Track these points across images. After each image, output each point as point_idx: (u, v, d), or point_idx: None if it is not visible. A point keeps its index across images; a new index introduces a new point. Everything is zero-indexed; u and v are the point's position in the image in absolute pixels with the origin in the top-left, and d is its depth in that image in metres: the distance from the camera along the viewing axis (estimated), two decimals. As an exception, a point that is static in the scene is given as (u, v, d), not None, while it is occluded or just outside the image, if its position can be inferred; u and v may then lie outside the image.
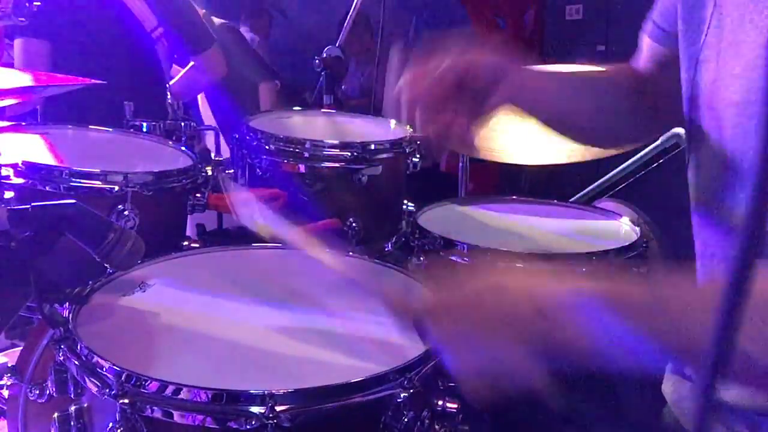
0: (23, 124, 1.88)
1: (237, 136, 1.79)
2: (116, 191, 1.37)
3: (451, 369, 0.78)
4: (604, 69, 1.19)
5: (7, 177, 1.33)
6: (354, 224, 1.66)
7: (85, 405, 0.94)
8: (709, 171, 0.97)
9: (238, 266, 1.26)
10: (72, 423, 0.93)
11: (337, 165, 1.68)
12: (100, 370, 0.88)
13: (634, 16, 1.19)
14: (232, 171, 1.77)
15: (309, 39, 3.88)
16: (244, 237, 1.28)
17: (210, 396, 0.83)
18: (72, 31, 2.39)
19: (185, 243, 1.53)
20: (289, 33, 5.37)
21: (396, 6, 3.56)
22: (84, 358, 0.90)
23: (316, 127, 2.02)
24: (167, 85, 2.63)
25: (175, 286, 1.15)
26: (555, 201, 1.74)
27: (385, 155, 1.71)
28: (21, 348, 1.31)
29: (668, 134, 2.36)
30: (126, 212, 1.37)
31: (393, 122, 1.94)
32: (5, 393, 1.28)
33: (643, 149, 2.51)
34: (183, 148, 1.72)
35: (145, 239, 1.03)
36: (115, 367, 0.86)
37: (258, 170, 1.73)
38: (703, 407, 0.42)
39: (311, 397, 0.84)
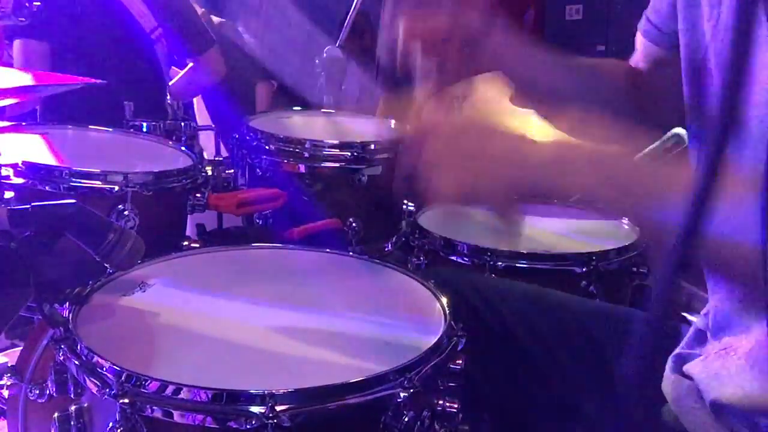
0: (23, 124, 1.88)
1: (237, 136, 1.79)
2: (116, 191, 1.37)
3: (433, 181, 0.84)
4: (600, 59, 1.20)
5: (7, 177, 1.34)
6: (354, 224, 1.66)
7: (85, 405, 0.94)
8: None
9: (238, 266, 1.26)
10: (72, 423, 0.93)
11: (337, 165, 1.68)
12: (100, 370, 0.87)
13: (634, 16, 1.18)
14: (232, 171, 1.77)
15: (309, 39, 3.87)
16: (244, 237, 1.28)
17: (210, 396, 0.83)
18: (72, 31, 2.39)
19: (185, 243, 1.53)
20: (289, 33, 5.36)
21: (396, 6, 3.55)
22: (84, 358, 0.90)
23: (316, 127, 2.02)
24: (167, 86, 2.63)
25: (175, 286, 1.15)
26: (555, 201, 1.74)
27: (385, 155, 1.71)
28: (21, 348, 1.31)
29: (668, 134, 2.36)
30: (126, 212, 1.38)
31: (393, 122, 1.94)
32: (5, 393, 1.28)
33: (643, 149, 2.50)
34: (183, 148, 1.72)
35: (145, 239, 1.02)
36: (115, 367, 0.86)
37: (258, 170, 1.74)
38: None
39: (311, 396, 0.84)
